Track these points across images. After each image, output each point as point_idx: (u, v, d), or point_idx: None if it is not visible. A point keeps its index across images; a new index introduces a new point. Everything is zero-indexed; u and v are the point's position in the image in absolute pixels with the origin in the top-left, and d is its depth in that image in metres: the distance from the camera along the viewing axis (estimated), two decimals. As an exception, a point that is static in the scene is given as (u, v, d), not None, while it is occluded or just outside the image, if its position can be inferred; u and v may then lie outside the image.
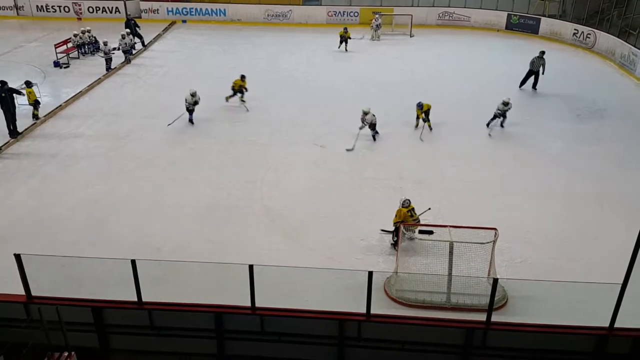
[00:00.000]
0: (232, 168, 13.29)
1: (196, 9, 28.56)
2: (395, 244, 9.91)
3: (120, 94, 18.48)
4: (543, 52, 18.33)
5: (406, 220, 9.85)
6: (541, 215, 11.39)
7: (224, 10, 28.49)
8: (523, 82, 18.68)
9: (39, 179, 12.82)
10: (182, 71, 21.05)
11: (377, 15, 25.55)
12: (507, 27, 26.91)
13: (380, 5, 27.84)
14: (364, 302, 7.87)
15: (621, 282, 7.26)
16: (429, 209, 10.69)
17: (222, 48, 24.19)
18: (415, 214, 10.04)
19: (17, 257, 7.71)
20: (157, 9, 28.56)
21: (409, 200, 10.03)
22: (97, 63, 21.03)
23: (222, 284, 8.53)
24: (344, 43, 23.34)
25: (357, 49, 23.89)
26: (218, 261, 8.66)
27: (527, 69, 18.62)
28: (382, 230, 10.45)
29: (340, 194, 11.83)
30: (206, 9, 28.53)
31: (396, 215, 9.97)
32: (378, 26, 25.27)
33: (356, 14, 28.09)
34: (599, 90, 18.94)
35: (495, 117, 15.28)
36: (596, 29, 23.54)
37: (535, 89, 18.61)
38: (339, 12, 28.21)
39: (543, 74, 18.38)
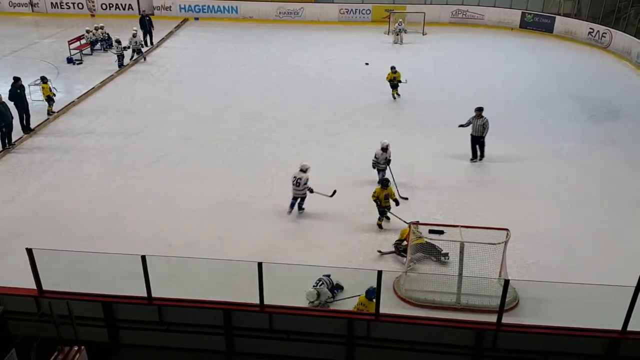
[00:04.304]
0: (243, 165, 13.31)
1: (208, 7, 28.64)
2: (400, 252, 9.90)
3: (132, 91, 18.58)
4: (480, 109, 13.21)
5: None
6: (554, 216, 11.26)
7: (236, 7, 28.54)
8: (474, 154, 13.59)
9: (51, 175, 12.93)
10: (194, 68, 21.13)
11: (400, 20, 25.32)
12: (521, 26, 26.66)
13: (393, 3, 27.70)
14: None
15: (634, 285, 7.15)
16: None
17: (234, 45, 24.23)
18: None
19: (29, 252, 7.75)
20: (170, 6, 28.69)
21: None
22: (110, 60, 21.17)
23: (231, 281, 8.55)
24: (395, 88, 17.94)
25: (370, 47, 23.83)
26: (228, 258, 8.68)
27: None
28: (380, 251, 10.10)
29: (350, 193, 11.77)
30: (218, 7, 28.60)
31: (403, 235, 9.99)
32: (400, 31, 24.98)
33: (368, 12, 27.98)
34: (614, 91, 18.70)
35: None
36: (612, 28, 23.23)
37: (482, 158, 13.53)
38: (351, 9, 28.13)
39: (484, 136, 13.31)
